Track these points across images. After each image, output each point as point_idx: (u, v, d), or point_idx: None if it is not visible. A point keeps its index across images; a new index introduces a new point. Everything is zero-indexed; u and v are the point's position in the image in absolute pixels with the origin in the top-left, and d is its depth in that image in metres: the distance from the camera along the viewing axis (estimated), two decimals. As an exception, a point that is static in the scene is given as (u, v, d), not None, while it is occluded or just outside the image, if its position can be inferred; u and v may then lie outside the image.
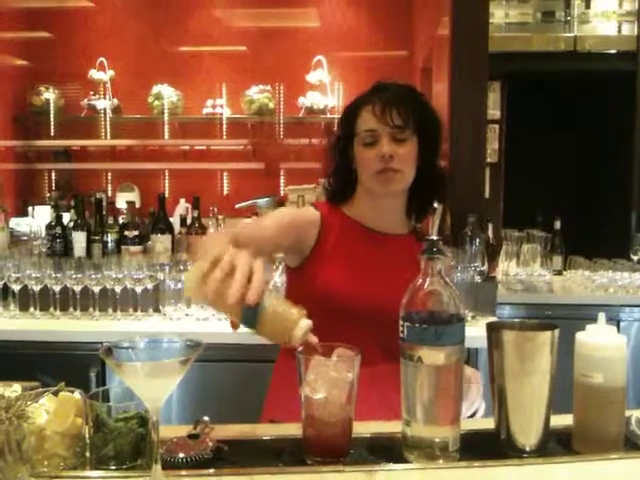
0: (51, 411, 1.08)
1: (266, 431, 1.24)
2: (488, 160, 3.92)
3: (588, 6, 4.33)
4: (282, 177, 4.77)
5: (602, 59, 4.25)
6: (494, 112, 4.24)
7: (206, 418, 1.22)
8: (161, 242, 2.95)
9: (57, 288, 2.63)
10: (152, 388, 0.98)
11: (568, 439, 1.17)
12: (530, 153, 4.59)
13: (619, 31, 4.31)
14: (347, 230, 1.60)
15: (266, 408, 1.59)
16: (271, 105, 4.65)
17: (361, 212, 1.63)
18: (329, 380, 1.09)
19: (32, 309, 2.67)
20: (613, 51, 4.27)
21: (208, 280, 1.04)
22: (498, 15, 4.30)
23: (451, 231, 2.94)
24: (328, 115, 4.63)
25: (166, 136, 4.78)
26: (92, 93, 4.72)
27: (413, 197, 1.64)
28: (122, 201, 3.78)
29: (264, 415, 1.57)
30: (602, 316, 1.16)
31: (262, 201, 3.47)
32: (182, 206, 3.64)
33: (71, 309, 2.67)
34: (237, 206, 3.76)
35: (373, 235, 1.62)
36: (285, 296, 1.60)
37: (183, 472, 1.07)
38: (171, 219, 3.16)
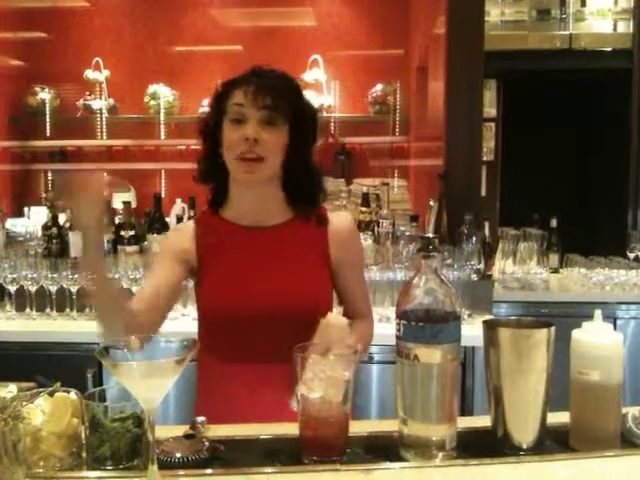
0: (47, 412, 1.08)
1: (262, 431, 1.24)
2: (484, 158, 3.93)
3: (583, 4, 4.33)
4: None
5: (598, 57, 4.25)
6: (490, 110, 4.24)
7: (202, 418, 1.22)
8: (157, 242, 2.95)
9: (53, 289, 2.63)
10: (148, 388, 0.98)
11: (565, 437, 1.17)
12: (526, 151, 4.60)
13: (614, 29, 4.31)
14: (223, 235, 1.57)
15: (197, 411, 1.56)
16: (268, 104, 4.64)
17: (236, 210, 1.58)
18: (325, 379, 1.09)
19: (28, 310, 2.67)
20: (609, 49, 4.27)
21: None
22: (494, 13, 4.30)
23: (447, 229, 2.94)
24: (324, 114, 4.63)
25: (162, 136, 4.77)
26: (88, 93, 4.70)
27: (287, 188, 1.57)
28: (118, 201, 3.76)
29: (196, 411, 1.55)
30: (598, 314, 1.16)
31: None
32: (178, 206, 3.64)
33: (67, 309, 2.67)
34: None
35: (250, 233, 1.56)
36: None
37: (179, 472, 1.07)
38: (167, 219, 3.15)
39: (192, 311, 2.65)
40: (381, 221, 2.95)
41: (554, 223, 3.82)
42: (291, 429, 1.16)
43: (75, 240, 2.92)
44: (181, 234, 1.61)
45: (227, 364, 1.50)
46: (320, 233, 1.58)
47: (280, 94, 1.48)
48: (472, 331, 2.06)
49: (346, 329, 1.32)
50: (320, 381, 1.09)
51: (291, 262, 1.54)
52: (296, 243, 1.56)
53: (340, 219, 1.63)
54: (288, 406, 1.18)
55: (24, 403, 1.03)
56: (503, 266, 3.45)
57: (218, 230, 1.58)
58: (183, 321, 2.64)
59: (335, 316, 1.38)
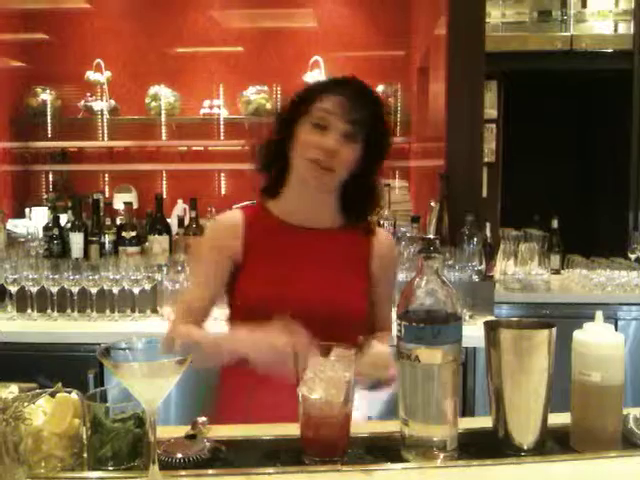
0: (48, 412, 1.08)
1: (263, 431, 1.24)
2: (485, 159, 3.92)
3: (584, 5, 4.33)
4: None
5: (598, 58, 4.25)
6: (491, 111, 4.24)
7: (204, 418, 1.22)
8: (159, 243, 2.95)
9: (54, 289, 2.63)
10: (149, 389, 0.98)
11: (566, 438, 1.17)
12: (527, 152, 4.60)
13: (615, 30, 4.31)
14: (272, 232, 1.55)
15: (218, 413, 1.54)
16: (268, 106, 4.65)
17: (288, 207, 1.57)
18: (326, 379, 1.09)
19: (29, 310, 2.67)
20: (609, 50, 4.26)
21: None
22: (494, 15, 4.30)
23: (449, 230, 2.94)
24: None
25: (163, 137, 4.77)
26: (89, 94, 4.71)
27: (345, 197, 1.57)
28: (119, 202, 3.77)
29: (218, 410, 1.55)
30: (599, 315, 1.16)
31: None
32: (180, 207, 3.65)
33: (68, 310, 2.67)
34: (234, 207, 3.75)
35: (299, 232, 1.56)
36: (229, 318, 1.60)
37: (181, 472, 1.07)
38: (169, 220, 3.15)
39: (193, 312, 2.65)
40: (382, 222, 2.95)
41: (555, 224, 3.81)
42: (292, 430, 1.16)
43: (76, 241, 2.92)
44: (229, 230, 1.56)
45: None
46: (365, 245, 1.59)
47: (368, 112, 1.48)
48: (473, 332, 2.06)
49: (390, 356, 1.32)
50: (321, 381, 1.09)
51: (334, 268, 1.54)
52: (341, 250, 1.56)
53: (384, 235, 1.65)
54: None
55: (25, 404, 1.03)
56: (504, 267, 3.45)
57: (266, 225, 1.56)
58: (184, 322, 2.63)
59: (379, 343, 1.38)
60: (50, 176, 4.88)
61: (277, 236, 1.55)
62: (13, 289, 2.64)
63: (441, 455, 1.09)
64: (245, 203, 1.84)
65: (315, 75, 4.59)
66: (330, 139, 1.44)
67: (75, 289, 2.63)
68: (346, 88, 1.49)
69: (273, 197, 1.58)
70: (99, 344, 1.03)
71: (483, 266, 2.80)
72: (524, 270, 3.43)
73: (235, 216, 1.58)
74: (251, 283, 1.51)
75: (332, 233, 1.57)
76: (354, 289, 1.55)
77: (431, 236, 1.15)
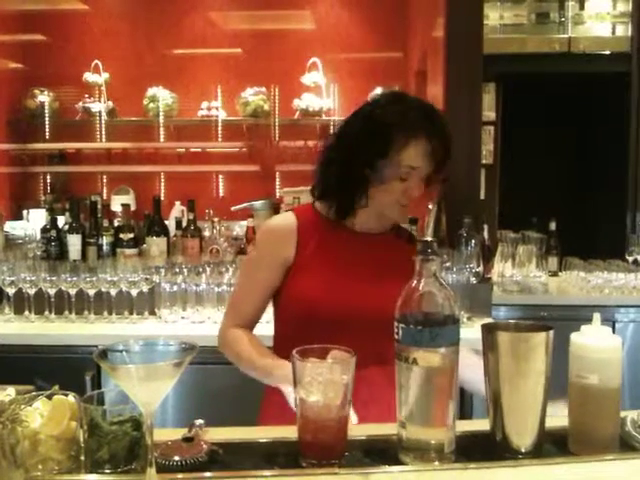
0: (45, 415, 1.07)
1: (261, 434, 1.24)
2: (483, 161, 3.93)
3: (582, 7, 4.34)
4: (278, 179, 4.77)
5: (596, 60, 4.26)
6: (489, 114, 4.25)
7: (201, 421, 1.21)
8: (156, 245, 2.95)
9: (52, 291, 2.63)
10: (146, 391, 0.97)
11: (564, 440, 1.17)
12: (525, 154, 4.60)
13: (613, 32, 4.32)
14: (326, 233, 1.57)
15: (262, 418, 1.58)
16: (266, 107, 4.65)
17: (352, 218, 1.59)
18: (324, 382, 1.09)
19: (27, 312, 2.66)
20: (607, 52, 4.28)
21: None
22: (492, 17, 4.31)
23: (446, 232, 2.94)
24: (323, 117, 4.64)
25: (161, 139, 4.78)
26: (87, 96, 4.71)
27: None
28: (117, 204, 3.77)
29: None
30: (597, 317, 1.16)
31: (258, 203, 3.47)
32: (177, 209, 3.64)
33: (66, 312, 2.67)
34: (233, 209, 3.75)
35: (351, 234, 1.58)
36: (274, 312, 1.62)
37: (178, 475, 1.07)
38: (166, 222, 3.15)
39: (191, 314, 2.65)
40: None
41: (553, 226, 3.82)
42: (290, 432, 1.15)
43: (73, 242, 2.92)
44: (283, 236, 1.56)
45: None
46: (409, 251, 1.58)
47: (447, 154, 1.49)
48: (471, 334, 2.06)
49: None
50: (319, 384, 1.09)
51: (383, 273, 1.54)
52: (390, 254, 1.57)
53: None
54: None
55: (22, 406, 1.02)
56: (502, 269, 3.45)
57: (319, 227, 1.57)
58: (182, 324, 2.64)
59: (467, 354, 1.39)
60: (48, 178, 4.89)
61: (330, 238, 1.57)
62: (11, 291, 2.64)
63: (439, 458, 1.09)
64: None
65: (313, 76, 4.59)
66: (415, 188, 1.49)
67: (73, 291, 2.62)
68: (427, 130, 1.47)
69: (347, 216, 1.58)
70: (96, 346, 1.03)
71: (481, 268, 2.79)
72: (522, 272, 3.43)
73: (289, 221, 1.58)
74: (301, 284, 1.52)
75: (381, 238, 1.60)
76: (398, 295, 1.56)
77: (429, 238, 1.14)
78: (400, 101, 1.56)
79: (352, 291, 1.51)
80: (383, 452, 1.14)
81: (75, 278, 2.60)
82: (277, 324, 1.62)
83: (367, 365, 1.42)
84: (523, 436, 1.12)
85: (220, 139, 4.77)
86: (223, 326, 1.61)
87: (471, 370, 1.31)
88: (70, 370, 2.39)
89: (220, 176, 4.93)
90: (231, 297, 1.66)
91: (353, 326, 1.45)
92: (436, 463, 1.09)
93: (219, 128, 4.75)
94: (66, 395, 1.11)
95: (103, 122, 4.72)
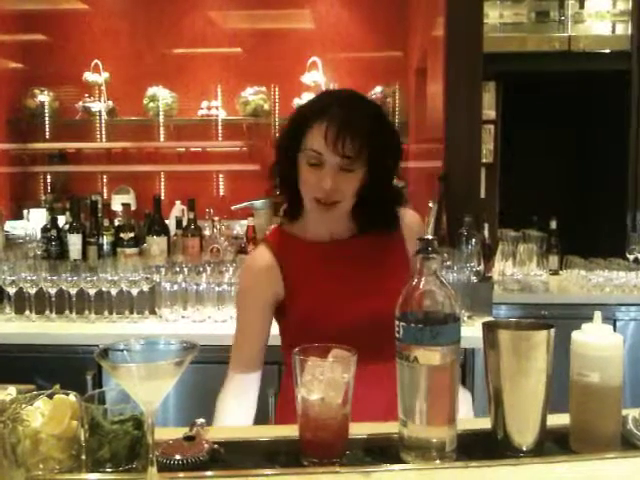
0: (46, 414, 1.07)
1: (262, 433, 1.24)
2: (483, 160, 3.93)
3: (582, 6, 4.34)
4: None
5: (596, 59, 4.26)
6: (489, 112, 4.24)
7: (202, 420, 1.21)
8: (157, 244, 2.95)
9: (53, 291, 2.63)
10: (148, 390, 0.97)
11: (565, 439, 1.17)
12: (525, 153, 4.60)
13: (613, 31, 4.32)
14: (302, 254, 1.55)
15: (278, 414, 1.59)
16: (266, 106, 4.65)
17: (309, 226, 1.56)
18: (325, 381, 1.09)
19: (28, 312, 2.67)
20: (607, 51, 4.27)
21: None
22: (492, 15, 4.31)
23: (447, 231, 2.94)
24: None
25: (161, 138, 4.77)
26: (87, 95, 4.71)
27: (365, 213, 1.54)
28: (118, 203, 3.77)
29: (277, 421, 1.57)
30: (598, 315, 1.16)
31: (258, 203, 3.47)
32: (178, 208, 3.64)
33: (67, 312, 2.67)
34: (233, 208, 3.76)
35: (331, 246, 1.55)
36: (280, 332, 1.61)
37: (179, 474, 1.07)
38: (167, 221, 3.15)
39: (191, 313, 2.65)
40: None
41: (553, 225, 3.82)
42: (291, 431, 1.15)
43: (74, 242, 2.92)
44: (265, 274, 1.54)
45: None
46: (395, 235, 1.57)
47: (361, 138, 1.40)
48: (472, 333, 2.07)
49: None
50: (320, 383, 1.09)
51: (374, 273, 1.52)
52: (377, 250, 1.55)
53: (409, 216, 1.61)
54: None
55: (23, 405, 1.03)
56: (503, 268, 3.45)
57: (298, 249, 1.55)
58: (183, 323, 2.64)
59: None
60: (48, 177, 4.88)
61: (315, 255, 1.54)
62: (11, 290, 2.64)
63: (440, 456, 1.09)
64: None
65: (313, 76, 4.59)
66: (327, 179, 1.41)
67: (73, 290, 2.62)
68: (333, 115, 1.41)
69: (297, 218, 1.57)
70: (97, 345, 1.03)
71: (481, 267, 2.79)
72: (522, 271, 3.43)
73: (265, 256, 1.55)
74: (310, 305, 1.50)
75: (362, 237, 1.56)
76: (396, 292, 1.54)
77: (429, 237, 1.14)
78: (322, 94, 1.58)
79: (346, 300, 1.49)
80: (384, 450, 1.14)
81: (76, 277, 2.60)
82: (284, 339, 1.60)
83: (368, 363, 1.43)
84: (524, 434, 1.12)
85: (220, 138, 4.77)
86: (229, 370, 1.57)
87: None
88: (71, 369, 2.39)
89: (220, 175, 4.93)
90: (234, 338, 1.63)
91: (351, 335, 1.44)
92: (437, 461, 1.09)
93: (219, 127, 4.75)
94: (67, 394, 1.11)
95: (103, 122, 4.71)
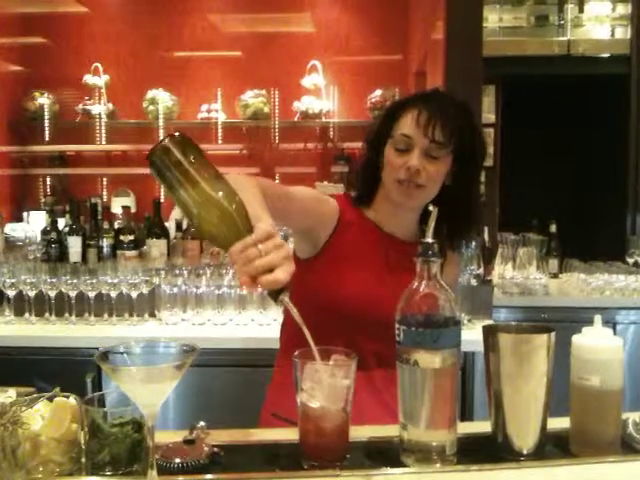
0: (46, 417, 1.07)
1: (262, 436, 1.24)
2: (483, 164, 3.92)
3: (582, 10, 4.34)
4: (278, 181, 4.77)
5: (596, 63, 4.27)
6: (489, 116, 4.25)
7: (202, 423, 1.21)
8: (157, 247, 2.95)
9: (52, 293, 2.63)
10: (148, 393, 0.97)
11: (565, 442, 1.17)
12: (525, 157, 4.60)
13: (612, 35, 4.33)
14: (366, 232, 1.55)
15: (267, 402, 1.57)
16: (266, 109, 4.65)
17: (379, 216, 1.57)
18: (326, 386, 1.09)
19: (27, 314, 2.67)
20: (606, 55, 4.28)
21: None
22: (492, 19, 4.32)
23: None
24: (323, 119, 4.64)
25: (161, 141, 4.77)
26: (87, 98, 4.71)
27: (443, 219, 1.49)
28: (117, 206, 3.77)
29: (264, 409, 1.56)
30: (598, 319, 1.16)
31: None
32: (178, 211, 3.64)
33: (66, 314, 2.67)
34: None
35: (392, 240, 1.56)
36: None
37: (179, 478, 1.07)
38: (167, 224, 3.16)
39: (191, 316, 2.65)
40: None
41: (553, 228, 3.82)
42: (291, 434, 1.15)
43: (74, 244, 2.92)
44: (329, 210, 1.53)
45: None
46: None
47: (451, 127, 1.46)
48: (472, 336, 2.06)
49: None
50: (321, 387, 1.09)
51: (406, 278, 1.53)
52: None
53: (454, 254, 1.66)
54: None
55: (23, 408, 1.02)
56: (503, 271, 3.46)
57: (361, 227, 1.55)
58: (183, 326, 2.64)
59: None
60: (48, 180, 4.88)
61: (371, 241, 1.55)
62: (11, 293, 2.64)
63: (440, 460, 1.09)
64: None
65: (313, 79, 4.59)
66: (413, 158, 1.45)
67: (73, 293, 2.62)
68: (426, 103, 1.48)
69: (366, 205, 1.59)
70: (97, 348, 1.03)
71: (482, 270, 2.80)
72: (522, 274, 3.44)
73: (333, 205, 1.54)
74: (343, 282, 1.49)
75: (415, 248, 1.56)
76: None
77: (430, 240, 1.14)
78: (415, 92, 1.62)
79: (385, 294, 1.47)
80: (384, 454, 1.13)
81: (75, 280, 2.60)
82: (288, 327, 1.56)
83: (371, 366, 1.45)
84: (525, 438, 1.12)
85: (220, 141, 4.76)
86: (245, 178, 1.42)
87: None
88: (71, 372, 2.39)
89: (220, 178, 4.93)
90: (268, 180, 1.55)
91: (374, 327, 1.43)
92: (438, 465, 1.09)
93: (219, 130, 4.74)
94: (67, 397, 1.11)
95: (103, 124, 4.71)
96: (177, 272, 2.69)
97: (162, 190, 4.87)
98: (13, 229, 3.53)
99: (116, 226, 3.06)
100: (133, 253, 2.91)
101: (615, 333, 1.16)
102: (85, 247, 2.93)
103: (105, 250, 2.94)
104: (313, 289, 1.48)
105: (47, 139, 4.72)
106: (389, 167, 1.49)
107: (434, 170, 1.46)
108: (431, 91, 1.59)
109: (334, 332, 1.36)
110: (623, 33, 4.31)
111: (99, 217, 3.04)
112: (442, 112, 1.46)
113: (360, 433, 1.19)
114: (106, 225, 3.00)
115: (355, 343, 1.33)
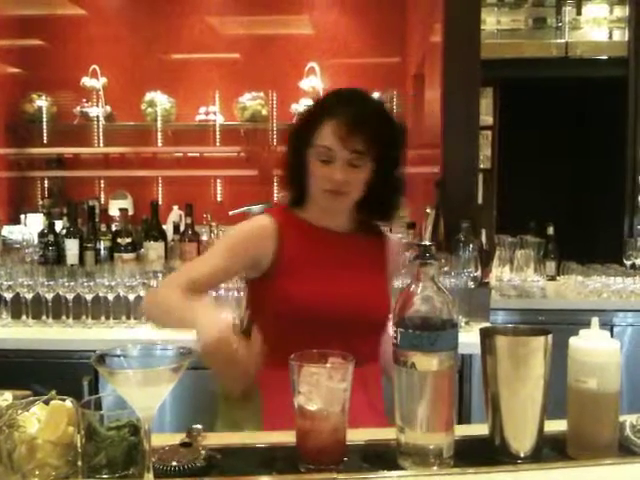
0: (43, 420, 1.07)
1: (259, 439, 1.24)
2: (481, 166, 3.93)
3: (579, 12, 4.35)
4: (275, 184, 4.77)
5: (593, 65, 4.28)
6: (486, 118, 4.25)
7: (199, 426, 1.21)
8: (154, 249, 2.94)
9: (49, 296, 2.62)
10: (144, 396, 0.97)
11: (562, 445, 1.17)
12: (523, 159, 4.61)
13: (610, 37, 4.34)
14: (305, 235, 1.57)
15: (266, 422, 1.56)
16: (264, 112, 4.66)
17: (314, 214, 1.59)
18: (323, 389, 1.09)
19: (24, 317, 2.66)
20: (604, 57, 4.29)
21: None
22: (490, 22, 4.33)
23: (444, 237, 2.94)
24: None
25: (159, 143, 4.77)
26: (85, 100, 4.71)
27: (368, 202, 1.59)
28: (115, 208, 3.77)
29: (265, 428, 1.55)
30: (595, 321, 1.16)
31: (256, 208, 3.47)
32: (175, 213, 3.64)
33: (64, 317, 2.66)
34: (231, 213, 3.75)
35: (328, 235, 1.59)
36: (246, 307, 1.62)
37: (176, 481, 1.07)
38: (164, 226, 3.15)
39: (189, 319, 2.64)
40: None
41: (551, 231, 3.82)
42: (288, 437, 1.15)
43: (71, 247, 2.91)
44: (262, 234, 1.54)
45: None
46: (381, 245, 1.66)
47: (371, 135, 1.48)
48: (469, 339, 2.05)
49: None
50: (318, 391, 1.09)
51: (363, 269, 1.58)
52: (365, 251, 1.61)
53: (395, 237, 1.74)
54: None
55: (19, 411, 1.02)
56: (500, 273, 3.45)
57: (298, 229, 1.58)
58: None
59: None
60: (45, 182, 4.88)
61: (312, 239, 1.57)
62: (8, 296, 2.63)
63: (437, 463, 1.09)
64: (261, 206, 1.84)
65: (311, 81, 4.60)
66: (337, 171, 1.47)
67: (70, 296, 2.62)
68: (346, 108, 1.49)
69: (300, 206, 1.61)
70: (94, 351, 1.02)
71: (479, 272, 2.80)
72: (520, 276, 3.43)
73: (266, 223, 1.57)
74: (300, 284, 1.51)
75: (354, 235, 1.62)
76: (380, 290, 1.60)
77: (427, 242, 1.14)
78: (328, 93, 1.64)
79: (339, 288, 1.51)
80: (382, 457, 1.13)
81: (73, 283, 2.59)
82: (263, 325, 1.53)
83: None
84: (522, 440, 1.12)
85: (218, 144, 4.77)
86: (169, 283, 1.56)
87: None
88: (67, 375, 2.38)
89: (218, 181, 4.93)
90: (185, 266, 1.64)
91: (344, 324, 1.46)
92: (435, 468, 1.09)
93: (217, 133, 4.75)
94: (63, 400, 1.10)
95: (101, 127, 4.72)
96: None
97: (160, 192, 4.89)
98: (10, 231, 3.52)
99: (113, 229, 3.05)
100: (130, 256, 2.91)
101: (612, 335, 1.16)
102: (82, 250, 2.93)
103: (102, 253, 2.93)
104: (272, 302, 1.52)
105: (45, 141, 4.72)
106: (316, 178, 1.52)
107: (357, 178, 1.51)
108: (349, 93, 1.58)
109: (308, 339, 1.34)
110: (621, 35, 4.32)
111: (96, 220, 3.03)
112: (361, 121, 1.48)
113: (357, 436, 1.19)
114: (103, 228, 3.00)
115: (329, 345, 1.33)
